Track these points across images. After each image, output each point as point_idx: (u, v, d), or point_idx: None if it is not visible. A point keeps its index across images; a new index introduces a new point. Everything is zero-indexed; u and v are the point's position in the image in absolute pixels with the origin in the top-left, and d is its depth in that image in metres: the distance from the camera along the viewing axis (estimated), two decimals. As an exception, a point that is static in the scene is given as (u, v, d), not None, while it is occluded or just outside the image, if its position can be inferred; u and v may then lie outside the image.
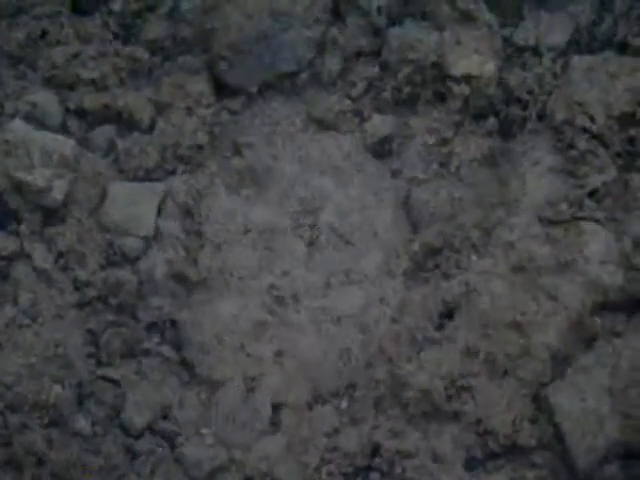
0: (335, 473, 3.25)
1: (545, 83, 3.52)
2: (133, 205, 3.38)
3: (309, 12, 3.49)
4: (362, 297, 3.37)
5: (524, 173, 3.49)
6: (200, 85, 3.49)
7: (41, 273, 3.29)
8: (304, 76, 3.53)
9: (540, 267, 3.38)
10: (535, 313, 3.33)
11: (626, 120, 3.44)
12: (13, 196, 3.31)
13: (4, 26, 3.47)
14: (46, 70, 3.45)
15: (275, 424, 3.28)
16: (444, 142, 3.51)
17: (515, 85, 3.51)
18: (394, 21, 3.54)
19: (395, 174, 3.51)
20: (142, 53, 3.49)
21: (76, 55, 3.45)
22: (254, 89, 3.52)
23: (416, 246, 3.44)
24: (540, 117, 3.51)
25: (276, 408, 3.30)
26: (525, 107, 3.51)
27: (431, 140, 3.51)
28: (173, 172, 3.46)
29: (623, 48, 3.55)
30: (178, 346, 3.35)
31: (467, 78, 3.47)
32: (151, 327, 3.35)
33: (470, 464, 3.31)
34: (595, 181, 3.45)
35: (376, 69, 3.53)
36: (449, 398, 3.29)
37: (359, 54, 3.55)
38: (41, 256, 3.30)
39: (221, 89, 3.53)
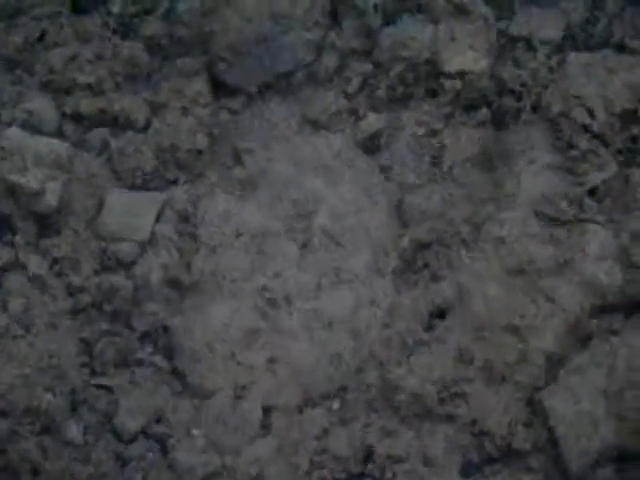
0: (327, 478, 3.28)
1: (540, 77, 3.49)
2: (131, 215, 3.38)
3: (309, 15, 3.49)
4: (353, 299, 3.37)
5: (519, 172, 3.46)
6: (198, 85, 3.48)
7: (35, 280, 3.30)
8: (300, 75, 3.52)
9: (539, 268, 3.35)
10: (533, 316, 3.30)
11: (627, 117, 3.40)
12: (6, 201, 3.32)
13: (2, 29, 3.47)
14: (43, 75, 3.45)
15: (266, 428, 3.28)
16: (434, 134, 3.50)
17: (509, 78, 3.49)
18: (389, 19, 3.53)
19: (385, 170, 3.50)
20: (141, 54, 3.49)
21: (74, 57, 3.46)
22: (253, 89, 3.52)
23: (406, 242, 3.43)
24: (534, 108, 3.48)
25: (267, 412, 3.30)
26: (519, 99, 3.48)
27: (421, 132, 3.50)
28: (174, 182, 3.46)
29: (621, 48, 3.52)
30: (170, 355, 3.35)
31: (460, 74, 3.45)
32: (145, 336, 3.35)
33: (466, 469, 3.30)
34: (595, 179, 3.41)
35: (370, 67, 3.53)
36: (442, 401, 3.29)
37: (354, 52, 3.54)
38: (36, 264, 3.31)
39: (220, 90, 3.53)
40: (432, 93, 3.51)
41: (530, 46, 3.52)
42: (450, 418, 3.28)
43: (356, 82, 3.54)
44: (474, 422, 3.28)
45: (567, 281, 3.33)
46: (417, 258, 3.43)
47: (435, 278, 3.40)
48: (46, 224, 3.35)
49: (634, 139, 3.41)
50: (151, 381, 3.32)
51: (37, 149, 3.31)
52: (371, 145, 3.52)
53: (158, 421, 3.29)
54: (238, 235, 3.41)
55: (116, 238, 3.37)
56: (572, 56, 3.49)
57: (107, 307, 3.31)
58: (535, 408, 3.28)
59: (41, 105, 3.43)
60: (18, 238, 3.32)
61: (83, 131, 3.47)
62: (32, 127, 3.39)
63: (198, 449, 3.25)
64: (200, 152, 3.46)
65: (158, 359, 3.34)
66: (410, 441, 3.27)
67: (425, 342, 3.34)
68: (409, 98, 3.52)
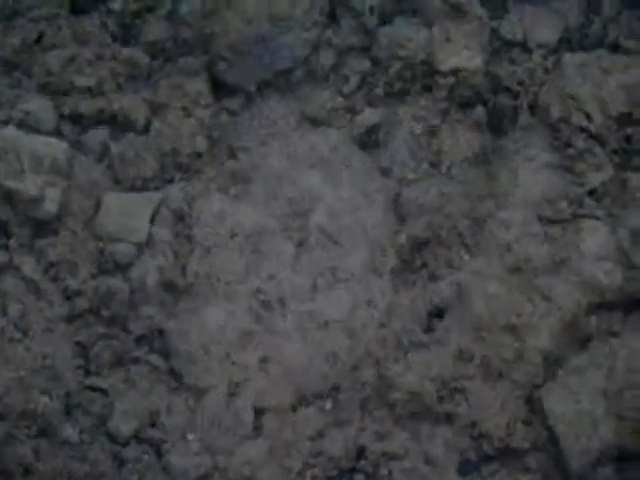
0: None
1: (536, 77, 3.50)
2: (128, 216, 3.36)
3: (308, 15, 3.50)
4: (350, 299, 3.36)
5: (517, 168, 3.47)
6: (198, 85, 3.49)
7: (30, 283, 3.28)
8: (299, 72, 3.54)
9: (536, 267, 3.35)
10: (530, 314, 3.30)
11: (623, 119, 3.41)
12: (3, 207, 3.30)
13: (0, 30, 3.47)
14: (41, 77, 3.45)
15: (258, 428, 3.27)
16: (431, 131, 3.51)
17: (504, 76, 3.50)
18: (385, 20, 3.54)
19: (382, 166, 3.51)
20: (141, 55, 3.49)
21: (72, 59, 3.46)
22: (252, 88, 3.53)
23: (403, 239, 3.42)
24: (532, 108, 3.49)
25: (259, 412, 3.29)
26: (515, 97, 3.50)
27: (418, 128, 3.51)
28: (170, 181, 3.45)
29: (615, 48, 3.52)
30: (166, 356, 3.33)
31: (454, 71, 3.47)
32: (141, 339, 3.33)
33: (463, 468, 3.28)
34: (594, 180, 3.42)
35: (368, 64, 3.54)
36: (440, 400, 3.28)
37: (352, 49, 3.56)
38: (31, 268, 3.29)
39: (220, 89, 3.53)
40: (427, 89, 3.52)
41: (525, 46, 3.54)
42: (448, 417, 3.26)
43: (354, 81, 3.55)
44: (473, 424, 3.27)
45: (564, 280, 3.32)
46: (415, 257, 3.42)
47: (433, 278, 3.39)
48: (43, 227, 3.34)
49: (628, 139, 3.43)
50: (147, 380, 3.30)
51: (34, 150, 3.29)
52: (368, 141, 3.53)
53: (153, 424, 3.27)
54: (233, 235, 3.40)
55: (113, 239, 3.35)
56: (567, 57, 3.50)
57: (104, 311, 3.30)
58: (534, 407, 3.27)
59: (39, 107, 3.42)
60: (12, 242, 3.31)
61: (81, 132, 3.46)
62: (29, 128, 3.38)
63: (192, 451, 3.24)
64: (200, 154, 3.46)
65: (154, 358, 3.32)
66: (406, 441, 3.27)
67: (424, 343, 3.33)
68: (406, 94, 3.53)
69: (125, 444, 3.25)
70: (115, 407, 3.26)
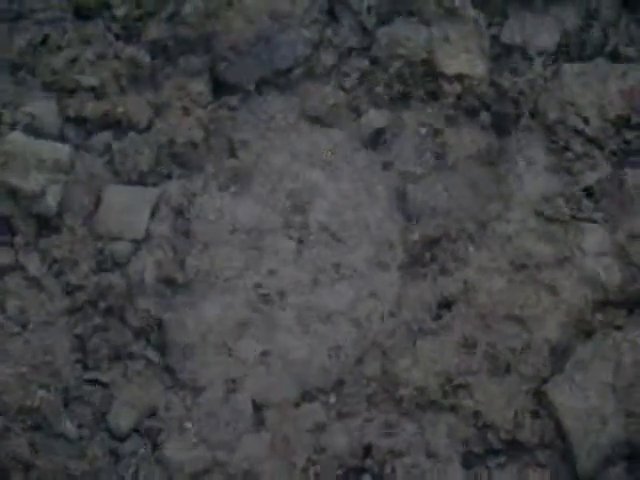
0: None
1: (537, 85, 3.52)
2: (128, 211, 3.36)
3: (308, 13, 3.53)
4: (353, 292, 3.33)
5: (519, 172, 3.48)
6: (200, 85, 3.50)
7: (32, 280, 3.28)
8: (298, 71, 3.55)
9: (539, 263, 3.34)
10: (535, 307, 3.28)
11: (621, 123, 3.44)
12: (7, 202, 3.31)
13: (5, 32, 3.48)
14: (46, 77, 3.46)
15: (259, 423, 3.23)
16: (436, 134, 3.50)
17: (508, 86, 3.51)
18: (383, 20, 3.56)
19: (387, 165, 3.50)
20: (143, 55, 3.50)
21: (75, 60, 3.47)
22: (252, 87, 3.54)
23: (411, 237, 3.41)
24: (533, 115, 3.51)
25: (258, 408, 3.25)
26: (517, 105, 3.52)
27: (423, 131, 3.52)
28: (169, 176, 3.45)
29: (614, 57, 3.55)
30: (163, 350, 3.30)
31: (459, 78, 3.47)
32: (139, 332, 3.30)
33: (468, 460, 3.22)
34: (589, 178, 3.43)
35: (367, 63, 3.55)
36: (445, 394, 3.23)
37: (352, 48, 3.57)
38: (34, 264, 3.29)
39: (220, 88, 3.54)
40: (433, 95, 3.52)
41: (525, 54, 3.57)
42: (454, 409, 3.22)
43: (354, 78, 3.56)
44: (477, 416, 3.22)
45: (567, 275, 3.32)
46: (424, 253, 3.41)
47: (442, 272, 3.37)
48: (46, 224, 3.34)
49: (626, 141, 3.45)
50: (144, 375, 3.27)
51: (39, 153, 3.31)
52: (373, 142, 3.52)
53: (150, 415, 3.23)
54: (233, 231, 3.39)
55: (113, 235, 3.34)
56: (566, 66, 3.53)
57: (102, 304, 3.28)
58: (541, 400, 3.22)
59: (43, 108, 3.43)
60: (18, 238, 3.31)
61: (86, 136, 3.47)
62: (34, 130, 3.39)
63: (190, 447, 3.20)
64: (196, 145, 3.46)
65: (151, 353, 3.29)
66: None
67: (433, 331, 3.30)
68: (409, 97, 3.54)
69: (123, 438, 3.21)
70: (114, 400, 3.23)
